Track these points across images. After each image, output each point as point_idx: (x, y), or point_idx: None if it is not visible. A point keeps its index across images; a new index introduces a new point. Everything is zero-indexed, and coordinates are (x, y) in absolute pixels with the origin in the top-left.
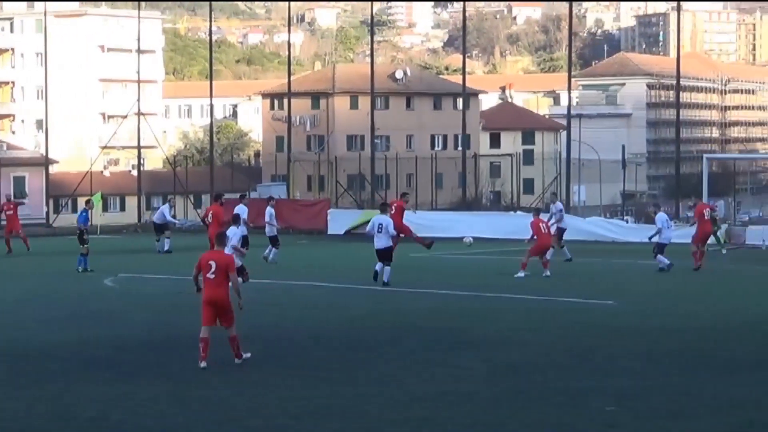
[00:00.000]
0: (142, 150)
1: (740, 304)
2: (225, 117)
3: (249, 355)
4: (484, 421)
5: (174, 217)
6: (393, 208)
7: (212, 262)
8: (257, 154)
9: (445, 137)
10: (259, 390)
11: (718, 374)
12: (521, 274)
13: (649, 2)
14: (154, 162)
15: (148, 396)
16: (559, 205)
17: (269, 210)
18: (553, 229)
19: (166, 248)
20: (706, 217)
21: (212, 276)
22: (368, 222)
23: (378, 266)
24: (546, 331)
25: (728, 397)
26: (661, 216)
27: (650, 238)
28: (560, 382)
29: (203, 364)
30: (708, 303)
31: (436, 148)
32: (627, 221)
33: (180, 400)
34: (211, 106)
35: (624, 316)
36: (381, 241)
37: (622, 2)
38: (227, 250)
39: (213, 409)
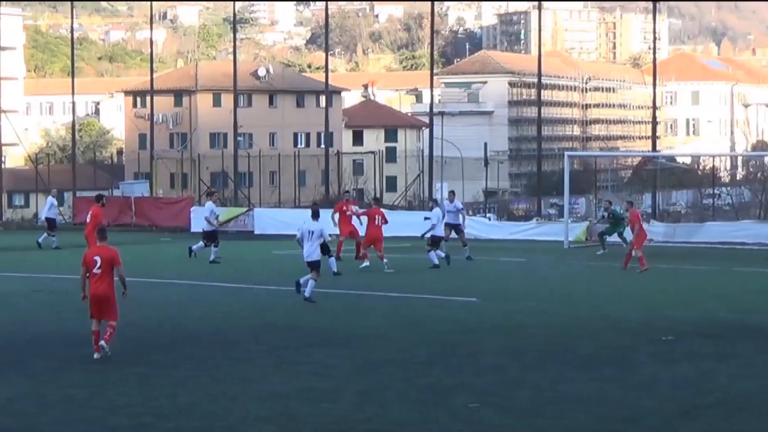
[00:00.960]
0: (3, 147)
1: (599, 302)
2: (87, 114)
3: (109, 352)
4: (348, 418)
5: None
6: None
7: (97, 258)
8: (120, 152)
9: (308, 135)
10: (122, 389)
11: (580, 370)
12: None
13: (510, 1)
14: (15, 160)
15: (8, 396)
16: (458, 204)
17: (210, 205)
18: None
19: (54, 245)
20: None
21: (98, 271)
22: (231, 220)
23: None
24: (408, 328)
25: (591, 392)
26: (436, 211)
27: (423, 235)
28: (423, 379)
29: (96, 356)
30: (568, 300)
31: (299, 146)
32: (489, 218)
33: (41, 400)
34: (73, 103)
35: (487, 312)
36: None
37: (483, 1)
38: None
39: (75, 408)
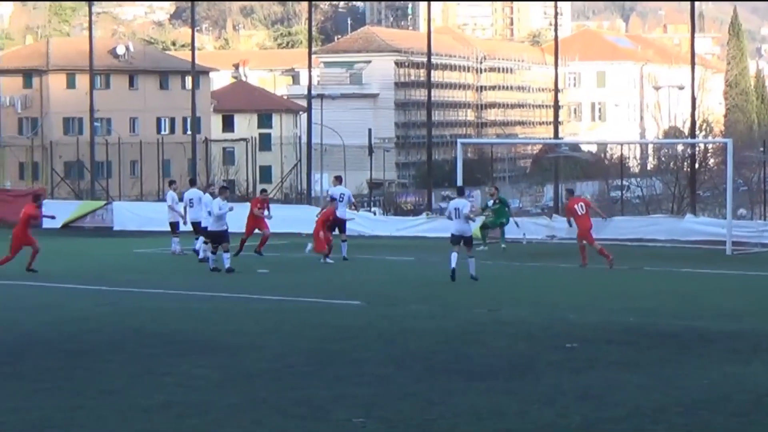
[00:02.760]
0: None
1: (495, 305)
2: None
3: None
4: None
5: None
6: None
7: None
8: None
9: (173, 120)
10: None
11: (472, 380)
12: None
13: None
14: None
15: None
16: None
17: (171, 194)
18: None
19: None
20: (579, 213)
21: None
22: (87, 215)
23: (451, 254)
24: (285, 334)
25: (485, 404)
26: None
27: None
28: (301, 391)
29: None
30: (459, 302)
31: (162, 132)
32: (374, 213)
33: None
34: None
35: (371, 317)
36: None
37: None
38: None
39: None
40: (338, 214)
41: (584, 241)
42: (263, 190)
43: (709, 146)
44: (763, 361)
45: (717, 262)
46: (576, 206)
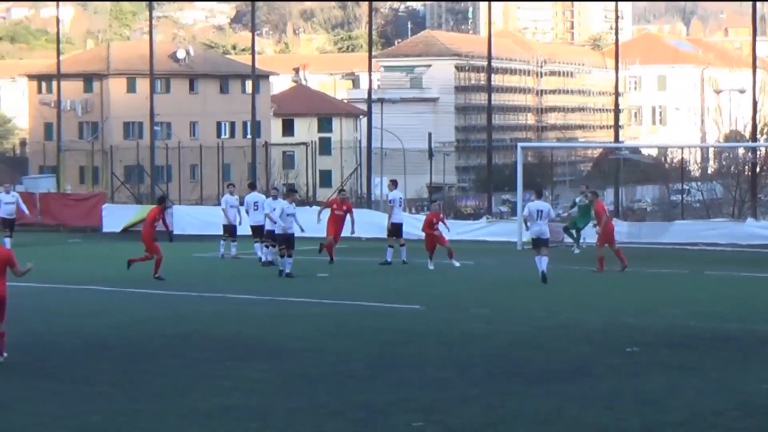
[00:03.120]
0: None
1: (555, 309)
2: None
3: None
4: None
5: None
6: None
7: None
8: (23, 143)
9: (233, 124)
10: (28, 406)
11: (532, 384)
12: None
13: None
14: None
15: None
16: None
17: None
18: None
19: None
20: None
21: None
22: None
23: (537, 259)
24: (345, 338)
25: (544, 408)
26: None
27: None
28: (361, 395)
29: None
30: (519, 306)
31: (222, 137)
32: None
33: None
34: None
35: (431, 321)
36: (540, 228)
37: None
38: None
39: None
40: (395, 219)
41: (606, 245)
42: (341, 190)
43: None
44: None
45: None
46: (605, 209)
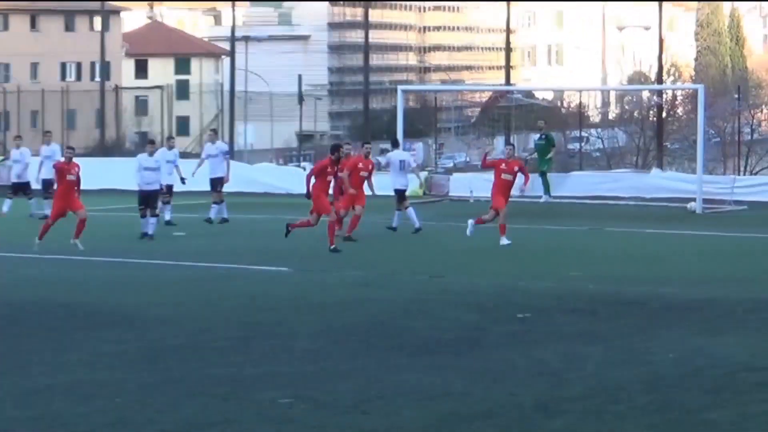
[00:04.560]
0: None
1: (439, 271)
2: None
3: None
4: (129, 418)
5: None
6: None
7: None
8: None
9: (79, 65)
10: None
11: (414, 355)
12: None
13: None
14: None
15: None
16: (222, 146)
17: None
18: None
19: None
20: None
21: None
22: None
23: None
24: (204, 305)
25: (428, 382)
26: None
27: None
28: (222, 369)
29: None
30: (400, 268)
31: (68, 79)
32: (304, 168)
33: None
34: None
35: (301, 285)
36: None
37: None
38: None
39: None
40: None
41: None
42: (394, 142)
43: (678, 93)
44: (736, 333)
45: (686, 221)
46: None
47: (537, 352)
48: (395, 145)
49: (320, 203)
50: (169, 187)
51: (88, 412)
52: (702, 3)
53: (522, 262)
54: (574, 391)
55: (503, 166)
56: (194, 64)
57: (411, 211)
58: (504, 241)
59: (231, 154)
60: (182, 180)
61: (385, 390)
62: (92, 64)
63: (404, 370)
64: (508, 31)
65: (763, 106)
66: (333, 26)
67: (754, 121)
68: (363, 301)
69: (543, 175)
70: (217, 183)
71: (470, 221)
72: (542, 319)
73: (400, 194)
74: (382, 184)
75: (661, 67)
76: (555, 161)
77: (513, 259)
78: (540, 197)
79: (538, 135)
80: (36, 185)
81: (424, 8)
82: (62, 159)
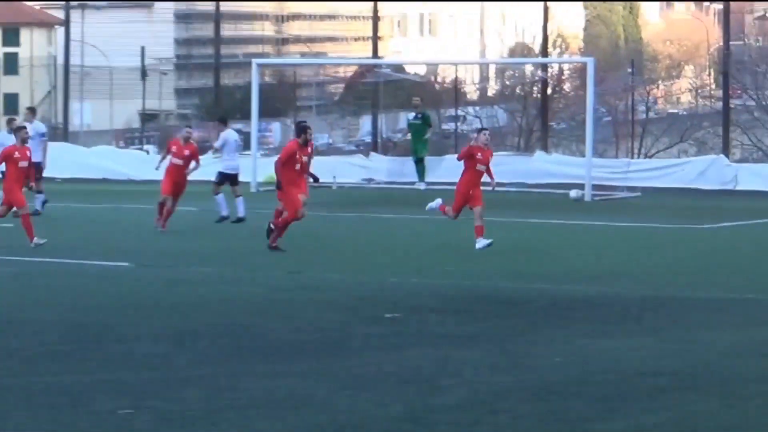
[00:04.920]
0: None
1: (297, 266)
2: None
3: None
4: None
5: None
6: None
7: None
8: None
9: None
10: None
11: (271, 361)
12: None
13: None
14: None
15: None
16: (39, 126)
17: None
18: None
19: None
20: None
21: None
22: None
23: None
24: (35, 305)
25: (286, 391)
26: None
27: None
28: (55, 377)
29: None
30: (255, 263)
31: None
32: (147, 152)
33: None
34: None
35: (143, 282)
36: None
37: None
38: None
39: None
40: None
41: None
42: (222, 119)
43: (565, 67)
44: (629, 334)
45: (573, 210)
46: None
47: (408, 357)
48: (224, 122)
49: (288, 197)
50: None
51: None
52: None
53: (392, 256)
54: (449, 400)
55: (479, 155)
56: (24, 34)
57: (222, 197)
58: (482, 242)
59: (66, 136)
60: None
61: (238, 399)
62: None
63: (260, 377)
64: None
65: (660, 82)
66: None
67: (650, 98)
68: (213, 300)
69: (420, 160)
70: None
71: (437, 202)
72: (414, 320)
73: (235, 178)
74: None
75: (546, 39)
76: (429, 143)
77: (382, 252)
78: (414, 184)
79: (413, 114)
80: None
81: None
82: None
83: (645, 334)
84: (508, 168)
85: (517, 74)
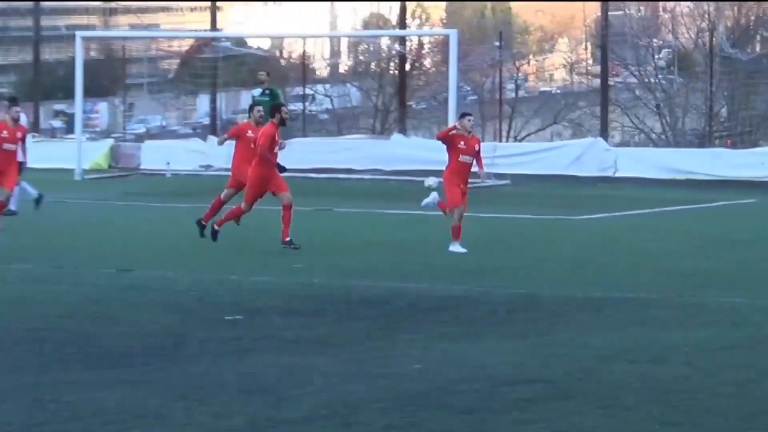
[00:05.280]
0: None
1: (129, 263)
2: None
3: None
4: None
5: None
6: None
7: None
8: None
9: None
10: None
11: (97, 368)
12: None
13: None
14: None
15: None
16: None
17: None
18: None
19: None
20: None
21: None
22: None
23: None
24: None
25: (115, 402)
26: None
27: None
28: None
29: None
30: (80, 259)
31: None
32: None
33: None
34: None
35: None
36: None
37: None
38: None
39: None
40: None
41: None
42: (12, 99)
43: (426, 40)
44: (496, 338)
45: (422, 198)
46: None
47: (250, 364)
48: (14, 102)
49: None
50: None
51: None
52: None
53: (233, 252)
54: (296, 413)
55: (461, 144)
56: None
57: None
58: (457, 248)
59: None
60: None
61: (61, 412)
62: None
63: (85, 387)
64: None
65: (531, 56)
66: None
67: (520, 74)
68: (31, 301)
69: None
70: None
71: (434, 197)
72: (257, 322)
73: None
74: None
75: (404, 9)
76: None
77: (222, 248)
78: None
79: (258, 90)
80: None
81: None
82: None
83: (515, 338)
84: (362, 153)
85: (372, 48)
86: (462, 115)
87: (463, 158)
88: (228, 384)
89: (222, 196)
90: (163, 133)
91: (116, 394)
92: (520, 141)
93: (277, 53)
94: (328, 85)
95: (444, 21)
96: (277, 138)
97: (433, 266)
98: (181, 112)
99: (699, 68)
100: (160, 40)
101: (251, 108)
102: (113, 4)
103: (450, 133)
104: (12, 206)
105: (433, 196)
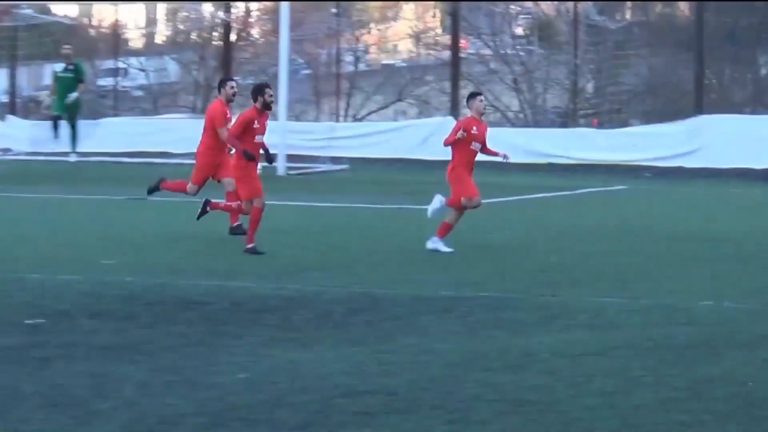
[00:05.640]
0: None
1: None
2: None
3: None
4: None
5: None
6: None
7: None
8: None
9: None
10: None
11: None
12: None
13: None
14: None
15: None
16: None
17: None
18: None
19: None
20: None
21: None
22: None
23: None
24: None
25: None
26: None
27: None
28: None
29: None
30: None
31: None
32: None
33: None
34: None
35: None
36: None
37: None
38: None
39: None
40: None
41: None
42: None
43: (253, 6)
44: (333, 343)
45: (264, 186)
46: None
47: (55, 373)
48: None
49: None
50: None
51: None
52: None
53: (33, 247)
54: (107, 428)
55: (474, 129)
56: None
57: None
58: (441, 246)
59: None
60: None
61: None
62: None
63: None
64: None
65: (373, 25)
66: None
67: (360, 45)
68: None
69: (74, 125)
70: None
71: (440, 200)
72: (62, 326)
73: None
74: None
75: None
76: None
77: (20, 242)
78: (68, 155)
79: (61, 65)
80: None
81: None
82: None
83: (353, 343)
84: (180, 135)
85: (193, 16)
86: (471, 96)
87: (474, 146)
88: (28, 396)
89: (227, 191)
90: None
91: None
92: (360, 120)
93: (86, 21)
94: (143, 58)
95: None
96: (256, 123)
97: (259, 262)
98: None
99: (562, 38)
100: None
101: (55, 81)
102: None
103: (458, 137)
104: None
105: (438, 199)
